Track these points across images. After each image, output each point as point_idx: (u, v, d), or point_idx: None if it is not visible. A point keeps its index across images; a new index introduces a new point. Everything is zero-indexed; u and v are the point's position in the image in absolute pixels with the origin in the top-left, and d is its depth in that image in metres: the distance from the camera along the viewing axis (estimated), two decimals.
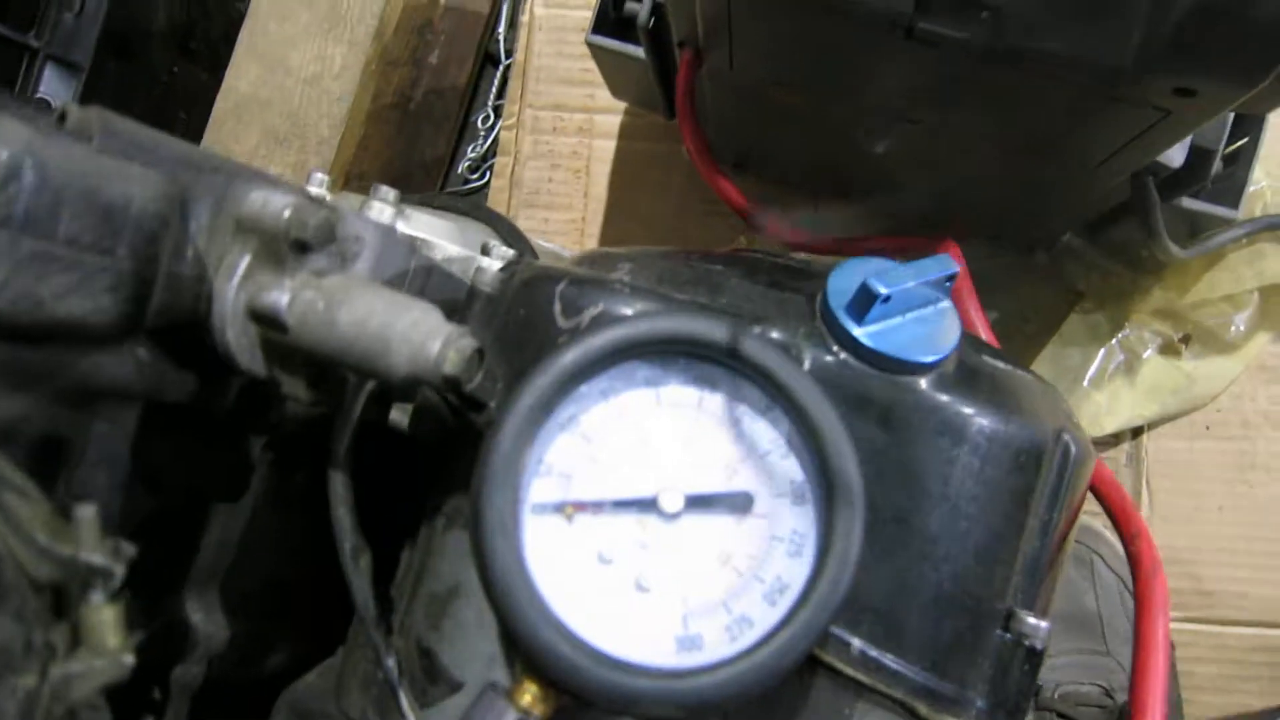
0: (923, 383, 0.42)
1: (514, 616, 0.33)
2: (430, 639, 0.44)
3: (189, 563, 0.47)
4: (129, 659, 0.29)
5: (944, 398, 0.41)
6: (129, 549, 0.30)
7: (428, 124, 1.17)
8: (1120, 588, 0.82)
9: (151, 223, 0.35)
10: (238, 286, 0.38)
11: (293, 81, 0.93)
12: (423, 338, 0.36)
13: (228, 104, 0.94)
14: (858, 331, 0.41)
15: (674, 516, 0.35)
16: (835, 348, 0.42)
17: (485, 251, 0.62)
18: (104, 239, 0.34)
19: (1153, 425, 0.89)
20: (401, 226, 0.60)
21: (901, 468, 0.41)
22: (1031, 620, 0.43)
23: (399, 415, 0.46)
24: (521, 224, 1.15)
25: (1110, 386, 0.88)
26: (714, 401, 0.36)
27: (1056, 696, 0.77)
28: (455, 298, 0.52)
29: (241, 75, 0.93)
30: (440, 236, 0.60)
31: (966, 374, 0.43)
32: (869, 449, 0.41)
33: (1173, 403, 0.88)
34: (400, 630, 0.46)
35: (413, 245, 0.52)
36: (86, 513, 0.29)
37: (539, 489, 0.35)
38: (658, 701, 0.33)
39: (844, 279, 0.42)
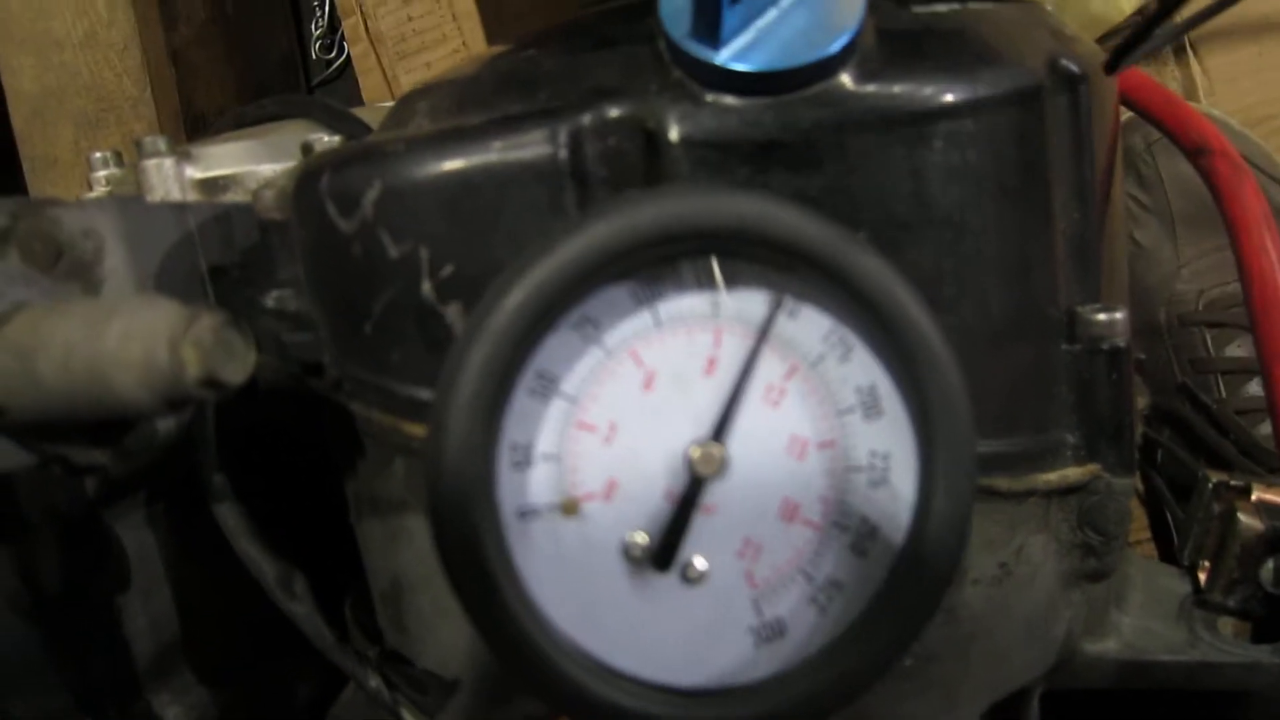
0: (845, 80, 0.29)
1: (524, 666, 0.24)
2: (401, 643, 0.36)
3: (128, 664, 0.39)
4: None
5: (874, 87, 0.29)
6: None
7: (255, 24, 1.01)
8: (1259, 155, 0.67)
9: None
10: None
11: (69, 54, 0.78)
12: (141, 351, 0.26)
13: (23, 111, 0.80)
14: (718, 58, 0.28)
15: (714, 477, 0.25)
16: (705, 94, 0.29)
17: (307, 151, 0.50)
18: None
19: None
20: (192, 172, 0.48)
21: (861, 210, 0.30)
22: (1101, 316, 0.32)
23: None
24: (406, 81, 1.00)
25: None
26: (736, 303, 0.25)
27: (1201, 306, 0.66)
28: None
29: (18, 74, 0.79)
30: (244, 162, 0.48)
31: (898, 43, 0.30)
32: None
33: None
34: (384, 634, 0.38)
35: (180, 205, 0.40)
36: None
37: (520, 485, 0.25)
38: None
39: None
